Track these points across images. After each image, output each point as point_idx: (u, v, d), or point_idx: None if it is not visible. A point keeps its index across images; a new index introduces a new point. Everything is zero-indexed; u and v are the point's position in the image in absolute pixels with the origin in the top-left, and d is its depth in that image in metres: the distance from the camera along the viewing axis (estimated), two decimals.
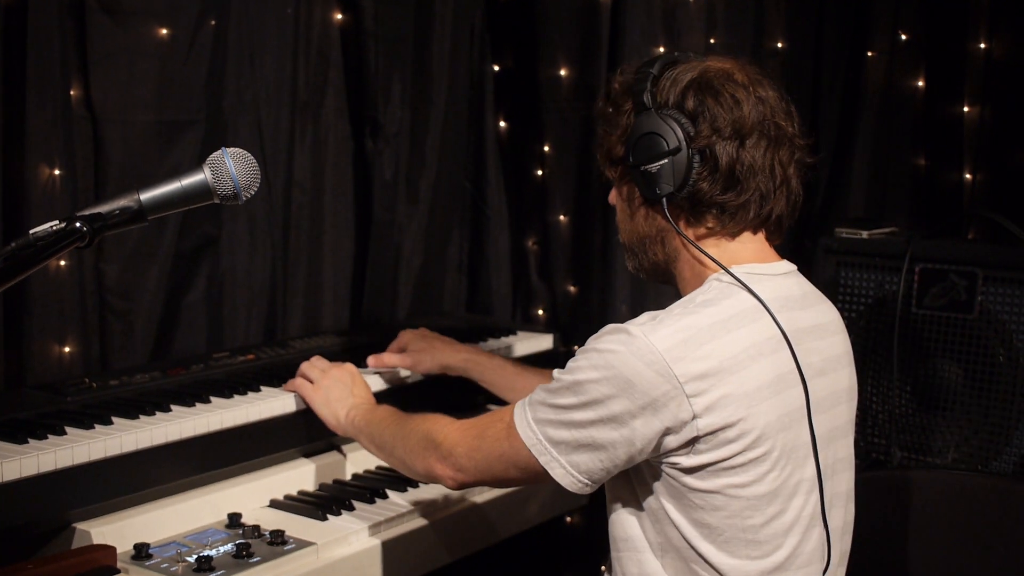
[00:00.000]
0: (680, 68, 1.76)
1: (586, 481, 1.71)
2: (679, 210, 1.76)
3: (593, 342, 1.68)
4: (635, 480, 1.74)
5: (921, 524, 2.35)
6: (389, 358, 2.54)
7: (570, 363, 1.70)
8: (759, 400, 1.65)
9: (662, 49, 3.17)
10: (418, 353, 2.53)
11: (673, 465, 1.67)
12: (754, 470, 1.66)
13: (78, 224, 1.40)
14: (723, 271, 1.74)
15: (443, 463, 1.90)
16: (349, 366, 2.36)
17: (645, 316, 1.69)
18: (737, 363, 1.64)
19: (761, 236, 1.80)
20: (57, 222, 1.42)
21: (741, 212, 1.75)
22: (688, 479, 1.66)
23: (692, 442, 1.64)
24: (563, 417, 1.68)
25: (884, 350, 2.73)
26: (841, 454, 1.83)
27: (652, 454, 1.67)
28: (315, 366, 2.34)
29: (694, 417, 1.62)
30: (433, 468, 1.92)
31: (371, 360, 2.53)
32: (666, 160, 1.72)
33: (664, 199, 1.74)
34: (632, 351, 1.62)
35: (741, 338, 1.66)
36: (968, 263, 2.65)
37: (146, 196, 1.46)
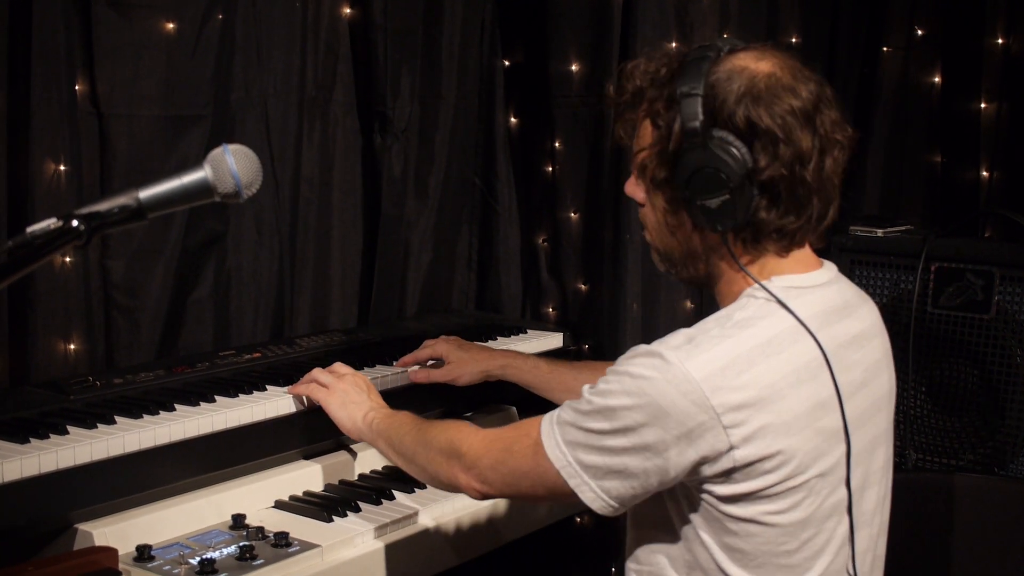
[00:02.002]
0: (722, 76, 1.64)
1: (616, 505, 1.65)
2: (736, 237, 1.68)
3: (626, 364, 1.61)
4: (667, 498, 1.69)
5: (936, 528, 2.33)
6: (433, 373, 2.50)
7: (601, 384, 1.63)
8: (798, 430, 1.59)
9: (674, 45, 3.13)
10: (459, 365, 2.49)
11: (709, 492, 1.62)
12: (791, 498, 1.61)
13: (75, 223, 1.37)
14: (760, 286, 1.67)
15: (467, 473, 1.83)
16: (362, 375, 2.31)
17: (680, 337, 1.61)
18: (776, 392, 1.58)
19: (806, 245, 1.74)
20: (55, 220, 1.39)
21: (800, 233, 1.68)
22: (724, 506, 1.61)
23: (729, 472, 1.58)
24: (595, 442, 1.62)
25: (899, 350, 2.69)
26: (883, 458, 1.79)
27: (687, 479, 1.62)
28: (328, 372, 2.30)
29: (731, 448, 1.56)
30: (457, 478, 1.86)
31: (417, 375, 2.51)
32: (727, 195, 1.62)
33: (726, 233, 1.66)
34: (668, 379, 1.56)
35: (781, 364, 1.60)
36: (985, 262, 2.62)
37: (145, 194, 1.43)
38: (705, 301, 3.14)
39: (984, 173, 3.07)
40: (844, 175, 1.72)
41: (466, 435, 1.88)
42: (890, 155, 3.25)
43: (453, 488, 1.91)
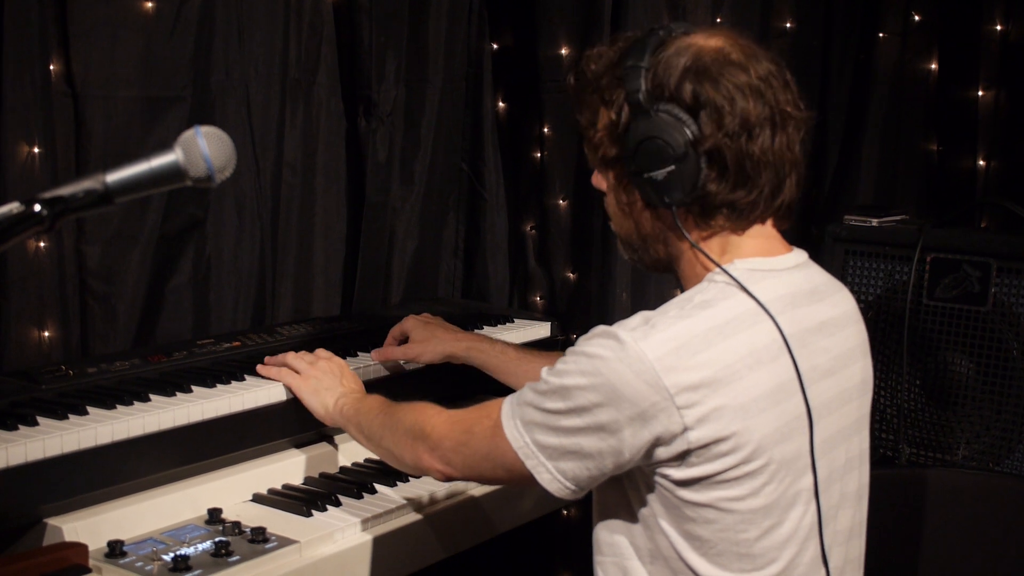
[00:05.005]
0: (670, 52, 1.64)
1: (573, 487, 1.63)
2: (687, 213, 1.67)
3: (583, 344, 1.60)
4: (627, 485, 1.66)
5: (930, 524, 2.29)
6: (392, 351, 2.45)
7: (559, 364, 1.61)
8: (756, 412, 1.56)
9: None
10: (422, 343, 2.44)
11: (665, 476, 1.59)
12: (749, 483, 1.57)
13: (37, 208, 1.30)
14: (721, 269, 1.65)
15: (431, 455, 1.83)
16: (338, 359, 2.29)
17: (638, 318, 1.60)
18: (733, 373, 1.55)
19: (769, 224, 1.70)
20: (17, 204, 1.33)
21: (752, 208, 1.65)
22: (681, 491, 1.58)
23: (684, 455, 1.55)
24: (551, 422, 1.60)
25: (893, 343, 2.66)
26: (852, 452, 1.75)
27: (643, 462, 1.59)
28: (302, 357, 2.27)
29: (685, 429, 1.53)
30: (421, 459, 1.86)
31: (374, 354, 2.46)
32: (672, 167, 1.61)
33: (673, 206, 1.65)
34: (621, 358, 1.53)
35: (739, 345, 1.57)
36: (981, 253, 2.58)
37: (112, 178, 1.36)
38: None
39: (981, 162, 3.02)
40: (804, 152, 1.69)
41: (430, 416, 1.88)
42: (885, 143, 3.20)
43: (419, 470, 1.90)
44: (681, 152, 1.60)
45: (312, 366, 2.24)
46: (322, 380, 2.21)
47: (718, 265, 1.65)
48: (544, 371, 1.63)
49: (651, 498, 1.62)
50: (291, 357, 2.27)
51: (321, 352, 2.30)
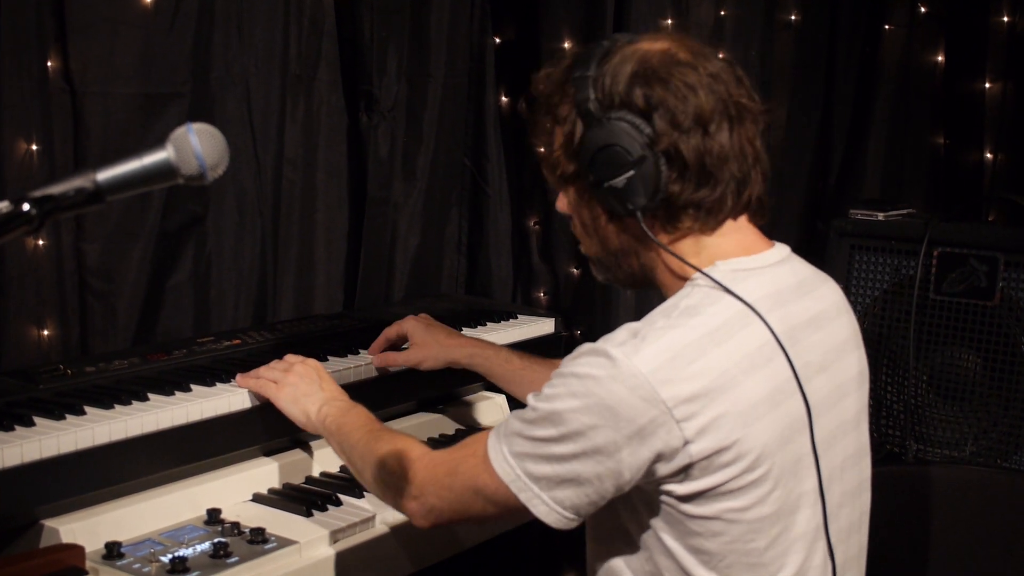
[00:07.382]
0: (616, 60, 1.61)
1: (572, 516, 1.58)
2: (653, 218, 1.63)
3: (571, 365, 1.55)
4: (621, 507, 1.61)
5: (937, 521, 2.27)
6: (394, 358, 2.40)
7: (546, 388, 1.56)
8: (755, 418, 1.52)
9: (669, 22, 3.05)
10: (423, 348, 2.38)
11: (667, 493, 1.54)
12: (754, 492, 1.53)
13: (25, 207, 1.28)
14: (700, 271, 1.61)
15: (413, 503, 1.74)
16: (312, 361, 2.20)
17: (624, 332, 1.55)
18: (729, 379, 1.51)
19: (743, 221, 1.67)
20: (6, 203, 1.31)
21: (718, 205, 1.62)
22: (684, 506, 1.54)
23: (686, 469, 1.51)
24: (542, 450, 1.55)
25: (900, 338, 2.64)
26: (850, 450, 1.72)
27: (643, 480, 1.55)
28: (274, 367, 2.19)
29: (686, 443, 1.49)
30: (402, 507, 1.77)
31: (375, 360, 2.40)
32: (632, 171, 1.58)
33: (638, 212, 1.61)
34: (613, 376, 1.49)
35: (732, 350, 1.53)
36: (989, 247, 2.56)
37: (103, 176, 1.34)
38: None
39: (988, 155, 3.01)
40: (766, 146, 1.66)
41: (412, 460, 1.77)
42: (891, 136, 3.19)
43: (401, 513, 1.81)
44: (639, 155, 1.57)
45: (287, 373, 2.15)
46: (299, 387, 2.12)
47: (697, 269, 1.61)
48: (530, 397, 1.58)
49: (651, 516, 1.58)
50: (264, 368, 2.19)
51: (291, 357, 2.21)
